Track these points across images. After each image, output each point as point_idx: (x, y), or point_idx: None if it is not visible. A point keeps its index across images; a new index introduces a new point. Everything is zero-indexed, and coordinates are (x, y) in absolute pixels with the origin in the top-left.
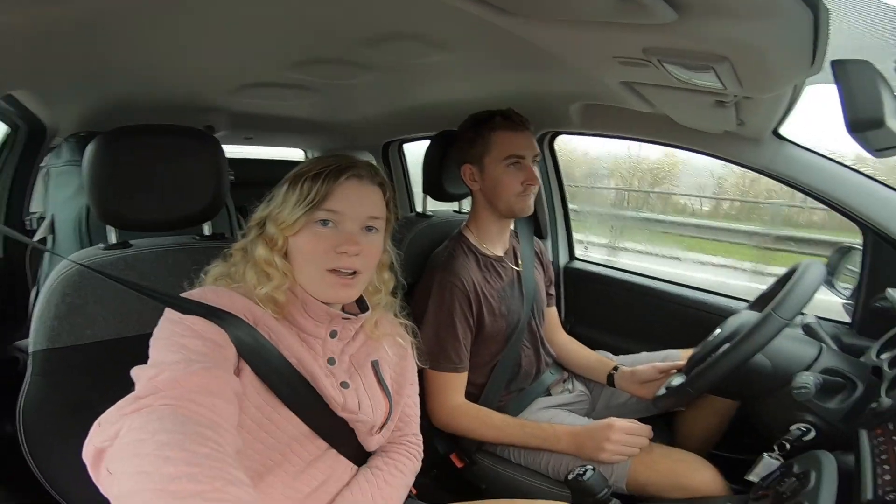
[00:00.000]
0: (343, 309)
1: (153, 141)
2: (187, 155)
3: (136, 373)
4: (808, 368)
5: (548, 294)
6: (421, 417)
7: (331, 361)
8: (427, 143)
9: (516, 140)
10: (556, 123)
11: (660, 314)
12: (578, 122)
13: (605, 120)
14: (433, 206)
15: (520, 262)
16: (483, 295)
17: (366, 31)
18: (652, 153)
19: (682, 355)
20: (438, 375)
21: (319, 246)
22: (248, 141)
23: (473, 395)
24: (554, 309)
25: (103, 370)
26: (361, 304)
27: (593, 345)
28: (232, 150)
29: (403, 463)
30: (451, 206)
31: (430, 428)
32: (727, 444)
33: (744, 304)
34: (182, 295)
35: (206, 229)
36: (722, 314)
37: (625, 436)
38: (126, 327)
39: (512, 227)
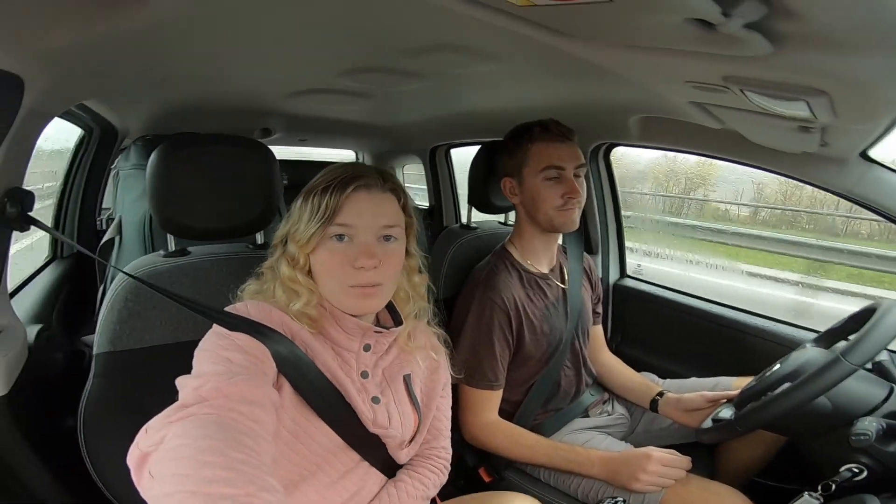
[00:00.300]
0: (378, 320)
1: (210, 151)
2: (242, 166)
3: (181, 382)
4: (872, 412)
5: (594, 312)
6: (452, 429)
7: (364, 375)
8: (475, 148)
9: (556, 151)
10: (613, 135)
11: (713, 339)
12: (637, 134)
13: (668, 133)
14: (478, 217)
15: (566, 279)
16: (524, 313)
17: (410, 42)
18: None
19: (733, 384)
20: (473, 392)
21: (336, 262)
22: (302, 143)
23: (508, 412)
24: (599, 327)
25: (159, 374)
26: (396, 317)
27: (639, 366)
28: (284, 152)
29: (428, 477)
30: (497, 218)
31: (461, 440)
32: (771, 472)
33: (807, 335)
34: (227, 309)
35: (259, 238)
36: (782, 344)
37: (661, 467)
38: (181, 332)
39: (560, 241)
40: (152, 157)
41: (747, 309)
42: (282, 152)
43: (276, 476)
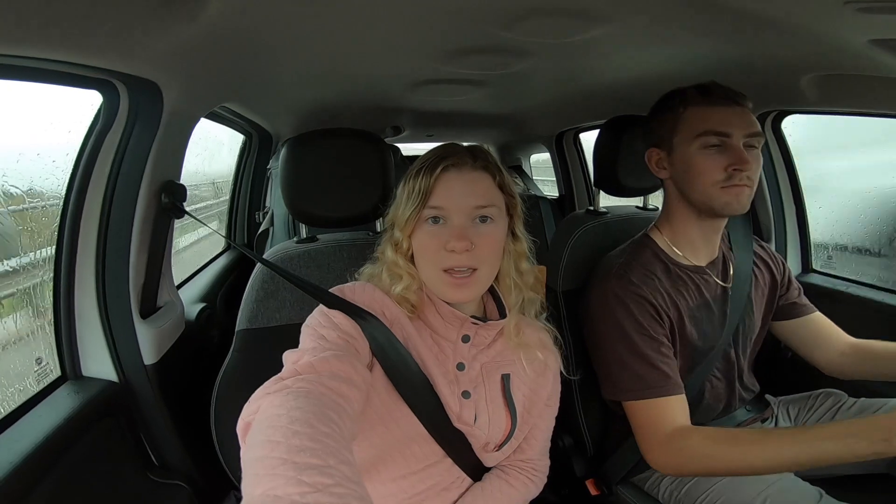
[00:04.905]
0: (485, 312)
1: (328, 145)
2: (358, 157)
3: (286, 356)
4: None
5: (799, 304)
6: (561, 432)
7: (460, 367)
8: None
9: (717, 114)
10: (782, 100)
11: None
12: (815, 97)
13: (860, 94)
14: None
15: (730, 276)
16: (670, 309)
17: (504, 11)
18: None
19: None
20: (644, 406)
21: (430, 244)
22: (430, 138)
23: (628, 429)
24: (815, 316)
25: (286, 349)
26: (502, 308)
27: (820, 383)
28: (413, 148)
29: (523, 482)
30: (634, 202)
31: (573, 448)
32: None
33: None
34: (332, 289)
35: (379, 226)
36: None
37: None
38: (307, 312)
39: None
40: (281, 153)
41: None
42: (410, 149)
43: (354, 452)
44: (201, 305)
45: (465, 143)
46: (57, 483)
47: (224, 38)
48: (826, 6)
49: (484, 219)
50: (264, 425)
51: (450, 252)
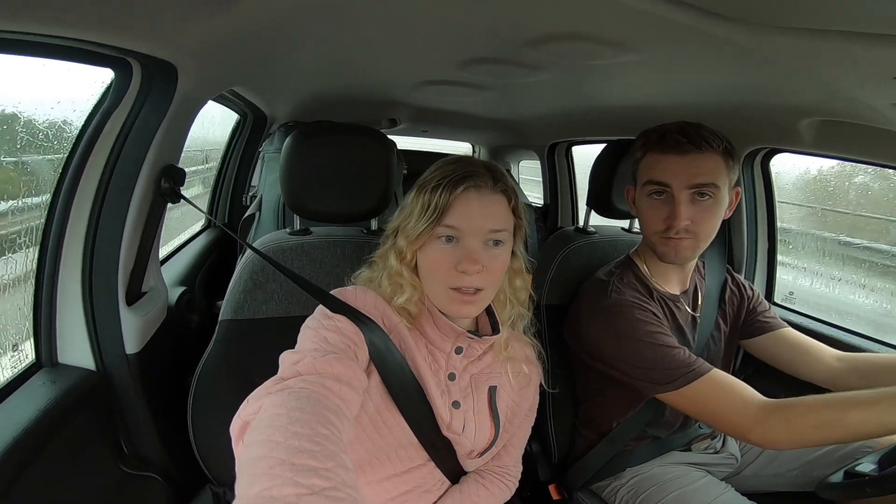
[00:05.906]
0: (477, 324)
1: (335, 140)
2: (363, 155)
3: (283, 357)
4: None
5: (764, 319)
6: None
7: (451, 377)
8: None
9: (663, 164)
10: (777, 139)
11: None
12: (811, 140)
13: (858, 141)
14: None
15: (699, 305)
16: (662, 320)
17: (533, 31)
18: None
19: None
20: (707, 384)
21: (441, 263)
22: (424, 133)
23: (592, 440)
24: (788, 331)
25: (267, 344)
26: (494, 322)
27: None
28: (406, 142)
29: (498, 486)
30: (621, 223)
31: (539, 453)
32: None
33: None
34: (333, 292)
35: (374, 224)
36: None
37: None
38: (294, 307)
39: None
40: (286, 143)
41: None
42: (404, 142)
43: (349, 455)
44: (181, 289)
45: (468, 153)
46: (32, 476)
47: (251, 27)
48: (869, 78)
49: (496, 242)
50: (264, 424)
51: (460, 273)
